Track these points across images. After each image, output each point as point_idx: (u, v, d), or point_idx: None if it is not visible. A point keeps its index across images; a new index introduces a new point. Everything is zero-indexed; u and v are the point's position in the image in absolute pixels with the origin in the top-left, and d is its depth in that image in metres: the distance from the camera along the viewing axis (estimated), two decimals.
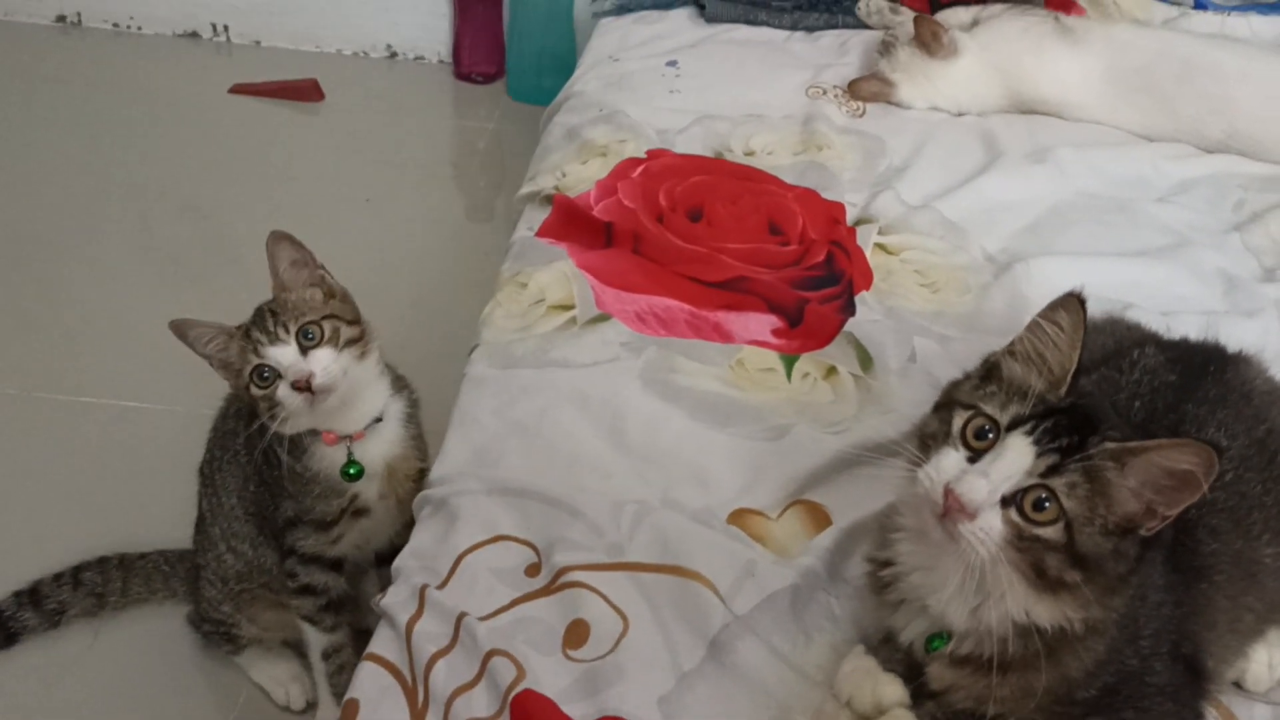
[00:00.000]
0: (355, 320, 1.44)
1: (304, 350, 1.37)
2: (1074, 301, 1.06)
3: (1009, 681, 1.08)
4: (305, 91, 3.16)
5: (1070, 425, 1.01)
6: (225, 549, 1.61)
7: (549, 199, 1.94)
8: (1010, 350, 1.09)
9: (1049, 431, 1.00)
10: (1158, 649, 1.11)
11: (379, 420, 1.49)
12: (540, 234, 1.86)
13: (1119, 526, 0.99)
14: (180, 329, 1.40)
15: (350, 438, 1.47)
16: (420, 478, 1.51)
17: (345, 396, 1.41)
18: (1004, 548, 1.00)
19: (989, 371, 1.10)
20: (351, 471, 1.47)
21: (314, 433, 1.45)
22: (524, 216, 1.94)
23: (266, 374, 1.37)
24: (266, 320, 1.39)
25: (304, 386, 1.36)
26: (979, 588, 1.03)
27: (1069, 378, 1.05)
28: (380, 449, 1.50)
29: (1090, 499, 0.99)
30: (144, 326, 2.33)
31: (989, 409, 1.04)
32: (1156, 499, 0.98)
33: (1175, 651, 1.13)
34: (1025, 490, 1.00)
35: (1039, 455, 1.00)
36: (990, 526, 0.99)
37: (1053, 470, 0.99)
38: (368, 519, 1.53)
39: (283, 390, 1.37)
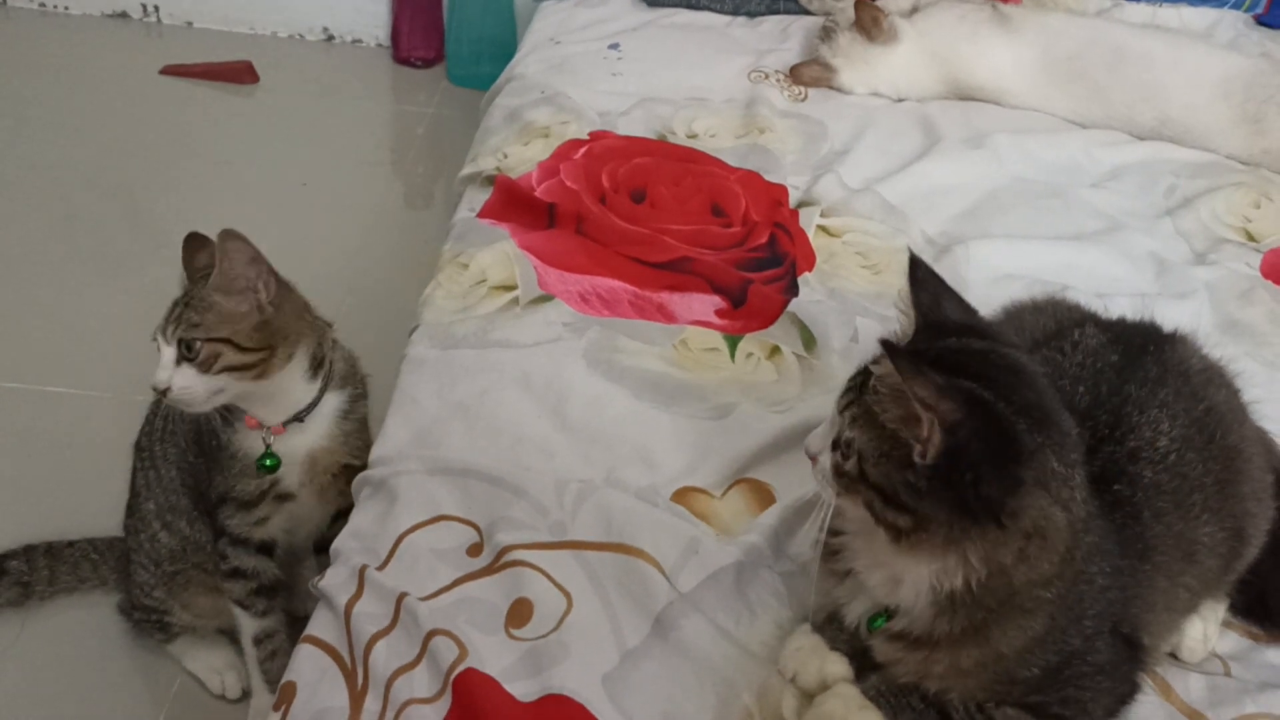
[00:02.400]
0: (259, 347, 1.35)
1: (180, 358, 1.32)
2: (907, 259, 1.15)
3: (940, 658, 1.09)
4: (239, 73, 3.09)
5: None
6: (159, 527, 1.57)
7: (490, 180, 1.92)
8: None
9: (861, 374, 1.06)
10: (1100, 628, 1.12)
11: (299, 419, 1.44)
12: (482, 215, 1.84)
13: (896, 455, 1.01)
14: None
15: (269, 429, 1.43)
16: (345, 472, 1.47)
17: (239, 398, 1.38)
18: (836, 484, 1.06)
19: None
20: (266, 464, 1.43)
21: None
22: (465, 198, 1.92)
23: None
24: (174, 309, 1.35)
25: (159, 392, 1.33)
26: (868, 546, 1.09)
27: (915, 330, 1.11)
28: (303, 442, 1.45)
29: (867, 429, 1.03)
30: (71, 312, 2.29)
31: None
32: (900, 427, 1.00)
33: (1115, 630, 1.14)
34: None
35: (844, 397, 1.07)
36: (824, 465, 1.08)
37: (846, 408, 1.06)
38: (293, 503, 1.49)
39: None
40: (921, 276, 1.14)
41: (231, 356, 1.33)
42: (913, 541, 1.03)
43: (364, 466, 1.46)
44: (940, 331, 1.10)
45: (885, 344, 1.00)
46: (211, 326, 1.33)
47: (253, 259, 1.35)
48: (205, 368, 1.32)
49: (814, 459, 1.09)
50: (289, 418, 1.42)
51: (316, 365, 1.43)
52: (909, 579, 1.06)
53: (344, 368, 1.48)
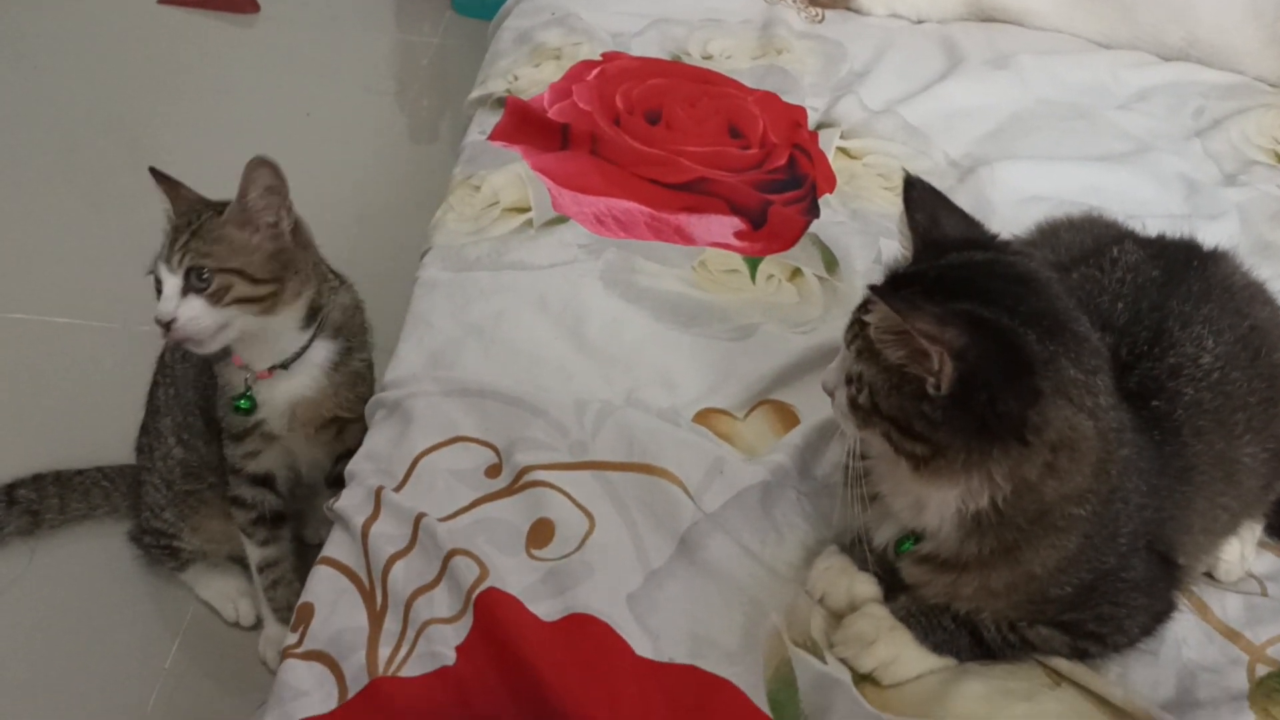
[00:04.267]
0: (270, 279, 1.31)
1: (187, 289, 1.27)
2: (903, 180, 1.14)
3: (969, 579, 1.07)
4: (239, 3, 3.03)
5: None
6: (175, 442, 1.54)
7: (501, 102, 1.87)
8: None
9: (861, 308, 1.04)
10: (1135, 545, 1.10)
11: (284, 366, 1.39)
12: (493, 137, 1.79)
13: (907, 388, 0.99)
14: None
15: (254, 372, 1.39)
16: (333, 424, 1.44)
17: (236, 338, 1.32)
18: (854, 420, 1.05)
19: None
20: (241, 405, 1.39)
21: None
22: (475, 120, 1.87)
23: (157, 284, 1.29)
24: (180, 235, 1.29)
25: (163, 326, 1.27)
26: (891, 472, 1.07)
27: (914, 252, 1.10)
28: (287, 389, 1.40)
29: (875, 363, 1.01)
30: (74, 243, 2.26)
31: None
32: (909, 364, 0.98)
33: (1150, 547, 1.12)
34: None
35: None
36: (841, 401, 1.06)
37: (852, 341, 1.05)
38: (283, 443, 1.45)
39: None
40: (917, 197, 1.11)
41: (243, 288, 1.29)
42: (933, 468, 1.01)
43: (355, 419, 1.43)
44: (940, 249, 1.07)
45: (874, 289, 0.98)
46: (223, 257, 1.28)
47: (273, 188, 1.30)
48: (216, 299, 1.27)
49: (831, 394, 1.08)
50: (275, 363, 1.38)
51: (312, 313, 1.37)
52: (933, 503, 1.04)
53: (340, 318, 1.42)
